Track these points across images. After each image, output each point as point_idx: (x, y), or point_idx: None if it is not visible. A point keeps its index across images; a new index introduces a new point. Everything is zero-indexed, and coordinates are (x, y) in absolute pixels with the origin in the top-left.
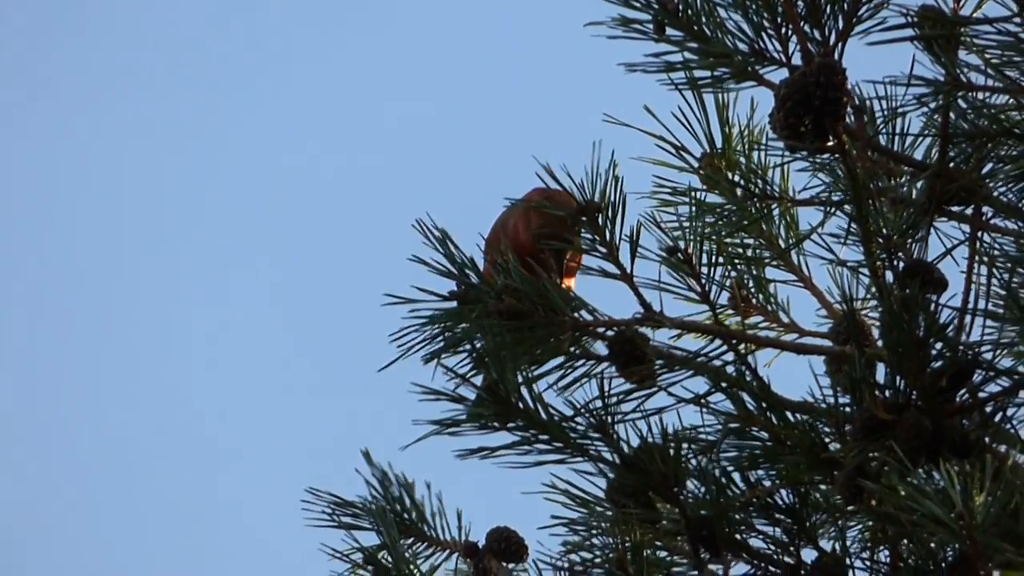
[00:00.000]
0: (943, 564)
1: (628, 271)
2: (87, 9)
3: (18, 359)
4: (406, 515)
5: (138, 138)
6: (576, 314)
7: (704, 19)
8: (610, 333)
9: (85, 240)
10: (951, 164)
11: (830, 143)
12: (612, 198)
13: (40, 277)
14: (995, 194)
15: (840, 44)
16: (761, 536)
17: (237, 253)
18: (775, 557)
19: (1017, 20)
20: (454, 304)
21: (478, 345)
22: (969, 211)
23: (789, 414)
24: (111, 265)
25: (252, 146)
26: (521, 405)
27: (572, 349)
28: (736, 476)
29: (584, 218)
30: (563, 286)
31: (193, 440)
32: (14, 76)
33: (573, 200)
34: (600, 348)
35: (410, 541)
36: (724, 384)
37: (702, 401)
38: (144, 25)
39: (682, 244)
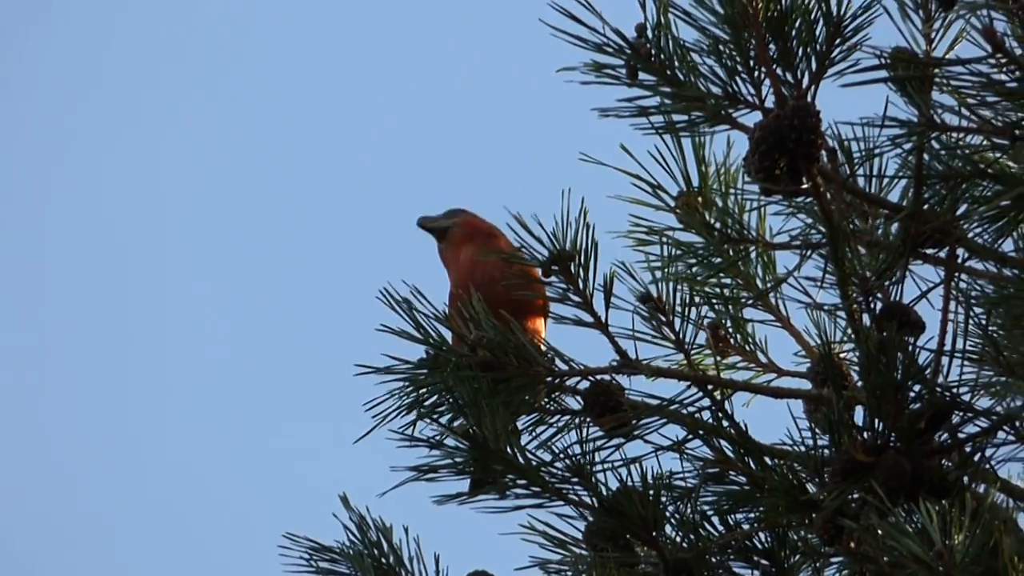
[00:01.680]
0: None
1: (603, 319)
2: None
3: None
4: (384, 560)
5: (121, 145)
6: (551, 364)
7: (677, 63)
8: (586, 383)
9: (76, 241)
10: (926, 206)
11: (805, 185)
12: (584, 246)
13: (36, 277)
14: (970, 235)
15: (813, 87)
16: None
17: (217, 316)
18: None
19: (990, 61)
20: (425, 371)
21: (455, 397)
22: (944, 253)
23: (767, 458)
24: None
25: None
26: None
27: (547, 404)
28: (715, 519)
29: (556, 267)
30: (531, 328)
31: (174, 486)
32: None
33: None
34: (573, 403)
35: None
36: (701, 431)
37: (680, 447)
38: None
39: (655, 290)
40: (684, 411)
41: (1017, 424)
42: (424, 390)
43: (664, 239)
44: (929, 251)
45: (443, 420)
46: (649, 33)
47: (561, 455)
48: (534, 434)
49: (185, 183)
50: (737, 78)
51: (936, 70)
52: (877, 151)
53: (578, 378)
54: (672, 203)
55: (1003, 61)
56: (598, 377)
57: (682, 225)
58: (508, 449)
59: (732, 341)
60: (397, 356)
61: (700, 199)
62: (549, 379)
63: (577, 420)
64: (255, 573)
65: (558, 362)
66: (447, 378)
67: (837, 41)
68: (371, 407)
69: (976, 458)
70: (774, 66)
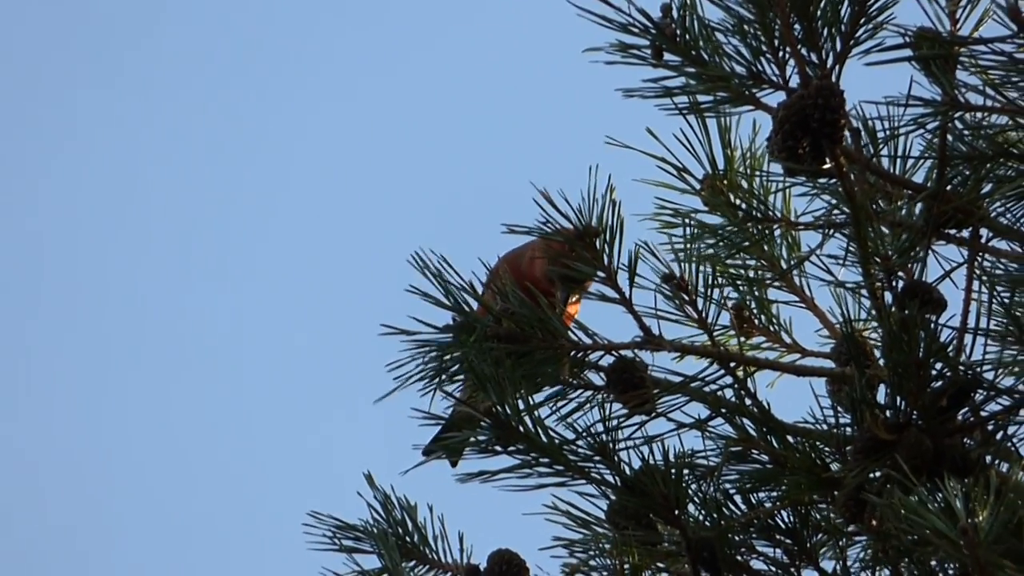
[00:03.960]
0: None
1: (627, 295)
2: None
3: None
4: (408, 538)
5: (136, 147)
6: (575, 338)
7: (702, 44)
8: (609, 358)
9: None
10: (949, 186)
11: (828, 165)
12: (610, 223)
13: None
14: (993, 215)
15: (837, 66)
16: (762, 557)
17: (236, 274)
18: None
19: (1015, 40)
20: (450, 336)
21: (477, 370)
22: (967, 234)
23: (789, 436)
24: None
25: (248, 169)
26: (522, 429)
27: (570, 379)
28: (737, 498)
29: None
30: (568, 313)
31: (197, 462)
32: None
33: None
34: (596, 379)
35: (412, 564)
36: (724, 409)
37: (703, 426)
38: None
39: (679, 269)
40: (707, 389)
41: None
42: (447, 357)
43: (689, 221)
44: (952, 231)
45: (464, 395)
46: (674, 13)
47: (584, 434)
48: (555, 407)
49: (196, 181)
50: (762, 58)
51: (960, 49)
52: (901, 131)
53: (601, 353)
54: (697, 186)
55: None
56: (621, 353)
57: (707, 207)
58: (531, 427)
59: (756, 322)
60: (423, 320)
61: (725, 182)
62: (573, 353)
63: (600, 396)
64: (281, 553)
65: (582, 336)
66: (470, 351)
67: (862, 21)
68: (394, 368)
69: (998, 436)
70: (799, 46)
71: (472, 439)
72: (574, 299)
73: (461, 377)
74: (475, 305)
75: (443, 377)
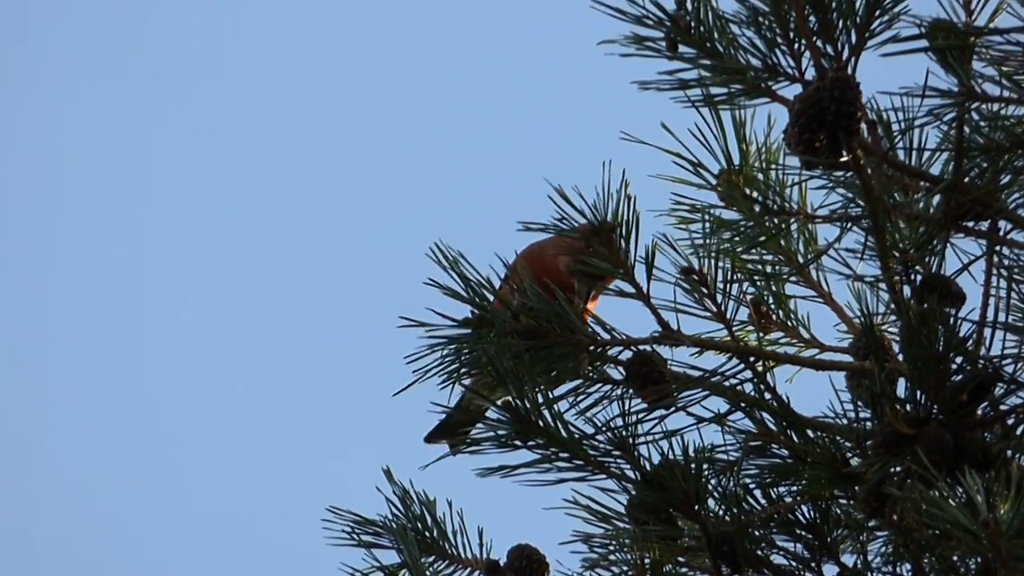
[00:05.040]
0: None
1: (644, 290)
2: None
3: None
4: (427, 533)
5: (144, 138)
6: (593, 333)
7: (717, 36)
8: (628, 353)
9: (93, 237)
10: (966, 178)
11: (845, 158)
12: (626, 217)
13: (47, 275)
14: (1011, 207)
15: (853, 58)
16: (782, 552)
17: (253, 266)
18: (796, 573)
19: None
20: (469, 330)
21: (497, 365)
22: (985, 226)
23: (809, 431)
24: (120, 266)
25: (263, 164)
26: (541, 423)
27: (590, 373)
28: (757, 493)
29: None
30: (587, 309)
31: (212, 457)
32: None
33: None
34: (615, 373)
35: (431, 559)
36: (743, 403)
37: (722, 420)
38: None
39: (697, 263)
40: (726, 383)
41: None
42: (466, 349)
43: (706, 216)
44: (970, 224)
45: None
46: (688, 5)
47: (603, 428)
48: (574, 402)
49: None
50: (777, 50)
51: (976, 40)
52: (917, 123)
53: (620, 348)
54: (713, 181)
55: None
56: (640, 348)
57: (724, 203)
58: (551, 422)
59: (774, 317)
60: (442, 312)
61: (741, 176)
62: (591, 348)
63: (619, 391)
64: (300, 548)
65: (600, 331)
66: (489, 346)
67: (877, 12)
68: (412, 360)
69: (1019, 430)
70: (814, 38)
71: (478, 424)
72: (594, 295)
73: (477, 370)
74: (492, 299)
75: (462, 370)
